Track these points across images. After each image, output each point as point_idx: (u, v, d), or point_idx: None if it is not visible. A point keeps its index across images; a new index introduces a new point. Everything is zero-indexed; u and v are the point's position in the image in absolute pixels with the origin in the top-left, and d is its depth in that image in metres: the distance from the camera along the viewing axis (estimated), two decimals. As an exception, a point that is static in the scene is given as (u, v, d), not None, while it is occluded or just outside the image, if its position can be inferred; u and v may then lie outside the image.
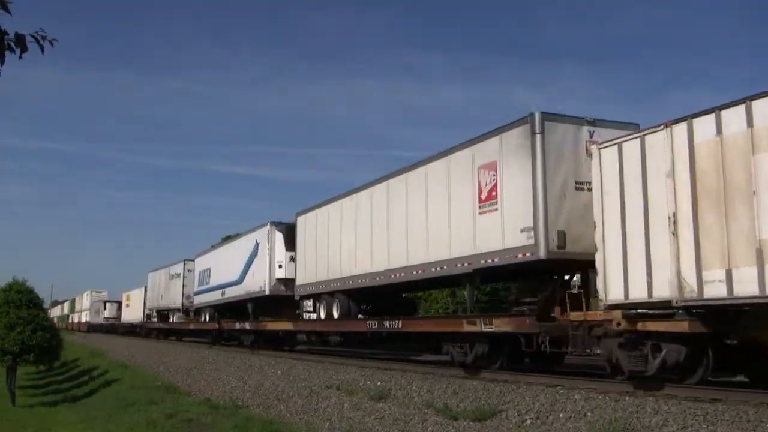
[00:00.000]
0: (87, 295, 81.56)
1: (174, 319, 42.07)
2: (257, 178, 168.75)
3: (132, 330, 57.15)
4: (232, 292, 29.40)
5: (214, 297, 32.47)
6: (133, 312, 56.44)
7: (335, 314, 20.49)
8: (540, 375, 13.41)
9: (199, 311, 37.11)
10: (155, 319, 47.11)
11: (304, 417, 12.34)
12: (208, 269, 34.35)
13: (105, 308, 71.51)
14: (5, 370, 18.31)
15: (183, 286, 38.86)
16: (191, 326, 38.14)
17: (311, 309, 23.52)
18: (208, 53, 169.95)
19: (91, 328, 75.82)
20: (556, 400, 10.00)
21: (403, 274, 16.70)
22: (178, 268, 40.30)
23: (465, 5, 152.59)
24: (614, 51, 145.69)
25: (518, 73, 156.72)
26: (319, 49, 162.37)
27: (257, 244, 26.47)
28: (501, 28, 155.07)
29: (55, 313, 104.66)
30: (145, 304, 50.26)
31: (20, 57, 3.99)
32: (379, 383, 13.65)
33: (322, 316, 21.55)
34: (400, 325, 16.80)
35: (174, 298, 40.54)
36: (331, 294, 20.75)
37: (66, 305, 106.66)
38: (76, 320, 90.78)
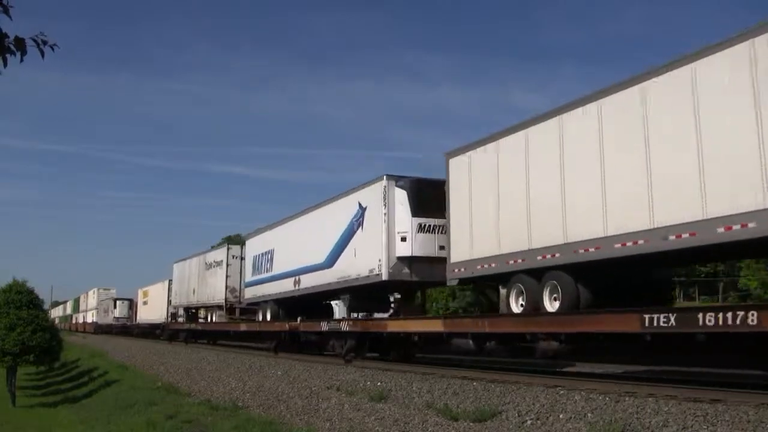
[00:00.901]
0: (93, 293, 74.32)
1: (214, 318, 34.13)
2: (256, 179, 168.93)
3: (150, 332, 48.47)
4: (314, 280, 21.79)
5: (281, 288, 24.64)
6: (152, 311, 49.08)
7: (548, 305, 12.97)
8: (540, 375, 13.43)
9: (251, 308, 29.52)
10: (181, 319, 41.07)
11: (305, 418, 12.34)
12: (270, 252, 26.40)
13: (115, 307, 64.41)
14: (5, 370, 18.33)
15: (226, 276, 31.37)
16: (243, 327, 28.78)
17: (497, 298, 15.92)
18: (207, 54, 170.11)
19: (99, 329, 67.83)
20: (556, 401, 10.01)
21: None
22: (219, 255, 32.85)
23: (464, 6, 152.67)
24: (613, 52, 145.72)
25: (517, 74, 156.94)
26: (318, 50, 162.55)
27: (361, 210, 18.95)
28: (499, 29, 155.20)
29: (56, 313, 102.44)
30: (168, 301, 43.41)
31: (21, 60, 3.99)
32: (379, 384, 13.66)
33: (516, 308, 13.79)
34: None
35: (212, 292, 33.35)
36: (537, 273, 13.24)
37: (69, 304, 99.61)
38: (80, 320, 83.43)
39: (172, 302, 42.19)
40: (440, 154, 16.59)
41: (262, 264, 27.22)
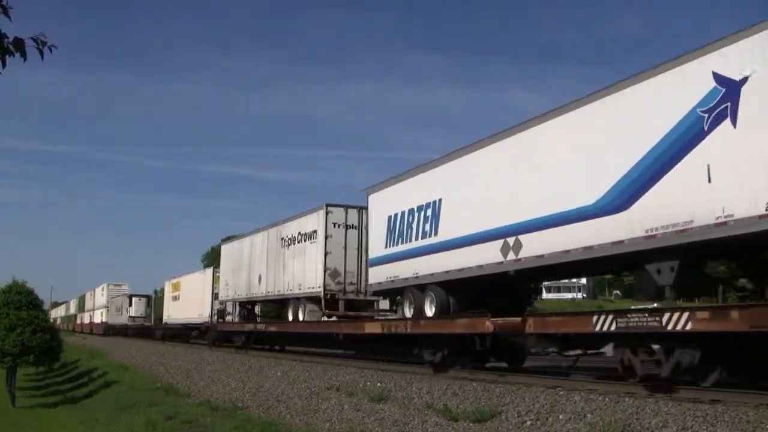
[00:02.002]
0: (102, 289, 65.48)
1: (303, 315, 22.97)
2: (256, 180, 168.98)
3: (183, 334, 40.99)
4: (564, 239, 12.15)
5: (460, 261, 15.06)
6: (186, 308, 40.21)
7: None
8: (540, 376, 13.44)
9: (373, 299, 21.39)
10: (230, 317, 32.59)
11: (304, 418, 12.34)
12: (430, 206, 16.46)
13: (130, 305, 56.56)
14: (5, 371, 18.33)
15: (325, 254, 21.74)
16: (374, 329, 18.03)
17: None
18: (207, 54, 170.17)
19: (110, 330, 58.23)
20: (556, 402, 10.01)
21: None
22: (310, 223, 22.98)
23: (463, 7, 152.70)
24: (612, 52, 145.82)
25: (516, 75, 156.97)
26: (318, 52, 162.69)
27: (728, 87, 9.36)
28: (499, 30, 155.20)
29: (58, 313, 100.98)
30: (214, 294, 34.60)
31: (24, 60, 4.00)
32: (379, 384, 13.67)
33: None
34: None
35: (298, 278, 23.63)
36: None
37: (73, 303, 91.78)
38: (86, 320, 74.94)
39: (220, 296, 32.80)
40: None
41: (410, 227, 17.14)
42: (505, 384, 12.09)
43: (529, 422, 9.43)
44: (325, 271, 21.94)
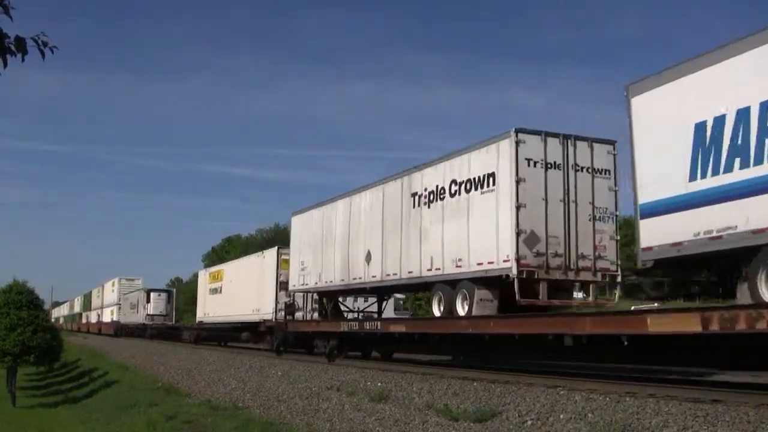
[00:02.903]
0: (113, 284, 58.77)
1: (471, 306, 14.72)
2: (256, 179, 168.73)
3: (228, 336, 34.35)
4: None
5: None
6: (235, 302, 31.17)
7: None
8: (540, 376, 13.44)
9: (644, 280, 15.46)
10: (300, 314, 25.25)
11: (305, 418, 12.34)
12: None
13: (148, 301, 49.20)
14: (5, 371, 18.33)
15: (517, 208, 14.01)
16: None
17: None
18: (207, 54, 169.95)
19: (122, 330, 52.27)
20: (556, 401, 10.01)
21: None
22: (481, 162, 15.09)
23: (462, 7, 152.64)
24: (612, 52, 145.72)
25: (516, 75, 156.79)
26: (316, 51, 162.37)
27: None
28: (499, 29, 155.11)
29: (60, 312, 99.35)
30: (279, 283, 26.46)
31: (23, 60, 4.00)
32: (379, 384, 13.66)
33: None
34: None
35: (452, 249, 15.67)
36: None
37: (77, 301, 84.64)
38: (93, 320, 68.04)
39: (292, 284, 24.34)
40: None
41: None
42: (506, 384, 12.09)
43: (529, 422, 9.42)
44: (517, 236, 13.84)
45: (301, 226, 24.28)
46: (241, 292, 31.42)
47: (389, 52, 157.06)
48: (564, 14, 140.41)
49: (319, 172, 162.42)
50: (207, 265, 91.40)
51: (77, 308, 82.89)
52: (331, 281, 21.65)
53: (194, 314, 43.81)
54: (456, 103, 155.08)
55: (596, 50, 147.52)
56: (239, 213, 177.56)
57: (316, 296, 23.96)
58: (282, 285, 26.18)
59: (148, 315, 49.63)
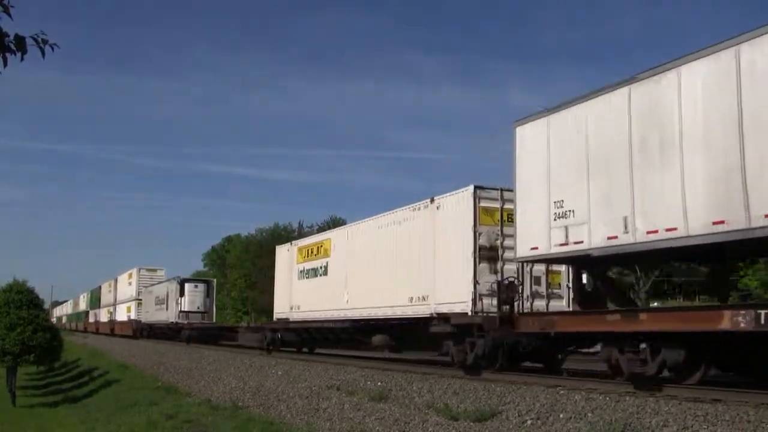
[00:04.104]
0: (130, 276, 49.68)
1: None
2: (256, 179, 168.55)
3: (339, 342, 21.83)
4: None
5: None
6: (365, 287, 19.26)
7: None
8: (540, 375, 13.43)
9: None
10: (517, 303, 14.54)
11: (305, 417, 12.34)
12: None
13: (182, 294, 38.80)
14: (6, 370, 18.35)
15: None
16: None
17: None
18: (207, 54, 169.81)
19: (144, 330, 43.25)
20: (556, 401, 10.00)
21: None
22: None
23: (462, 7, 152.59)
24: (611, 52, 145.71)
25: (515, 75, 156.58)
26: (316, 51, 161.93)
27: None
28: (498, 29, 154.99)
29: (63, 311, 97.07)
30: (477, 252, 14.88)
31: (22, 59, 4.00)
32: (379, 384, 13.66)
33: None
34: None
35: None
36: None
37: (83, 298, 75.01)
38: (103, 318, 58.51)
39: (530, 246, 12.93)
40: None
41: None
42: (506, 383, 12.08)
43: (529, 421, 9.42)
44: None
45: (543, 140, 12.89)
46: (377, 270, 18.66)
47: (389, 52, 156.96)
48: (564, 14, 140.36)
49: (319, 172, 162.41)
50: (207, 265, 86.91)
51: (83, 306, 73.50)
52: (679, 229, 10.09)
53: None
54: (456, 103, 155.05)
55: (596, 50, 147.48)
56: (239, 213, 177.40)
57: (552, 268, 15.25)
58: (484, 252, 15.10)
59: (181, 312, 38.67)
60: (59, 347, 19.49)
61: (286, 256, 25.65)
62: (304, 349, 25.22)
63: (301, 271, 23.86)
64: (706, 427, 7.81)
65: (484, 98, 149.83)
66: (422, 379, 13.70)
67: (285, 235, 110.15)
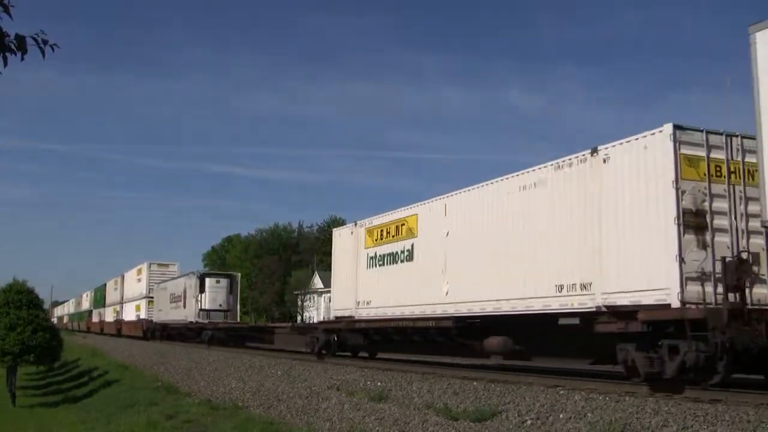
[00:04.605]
0: (139, 272, 45.62)
1: None
2: (256, 179, 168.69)
3: (421, 345, 17.34)
4: None
5: None
6: (481, 275, 14.48)
7: None
8: (540, 375, 13.44)
9: None
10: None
11: (305, 417, 12.35)
12: None
13: (202, 291, 34.52)
14: (5, 370, 18.35)
15: None
16: None
17: None
18: (206, 55, 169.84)
19: (156, 331, 39.66)
20: (556, 401, 10.01)
21: None
22: None
23: (461, 7, 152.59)
24: (611, 53, 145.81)
25: (515, 75, 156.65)
26: (316, 51, 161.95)
27: None
28: (498, 29, 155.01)
29: (64, 310, 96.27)
30: (682, 218, 10.42)
31: (22, 59, 4.00)
32: (379, 384, 13.66)
33: None
34: None
35: None
36: None
37: (86, 297, 71.41)
38: (108, 318, 54.90)
39: None
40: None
41: None
42: (506, 383, 12.09)
43: (529, 421, 9.43)
44: None
45: None
46: (497, 251, 14.24)
47: (389, 52, 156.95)
48: (563, 15, 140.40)
49: (319, 172, 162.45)
50: (207, 265, 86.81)
51: (86, 305, 69.80)
52: None
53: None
54: (456, 103, 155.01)
55: (595, 51, 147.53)
56: (239, 213, 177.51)
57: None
58: (689, 219, 10.74)
59: (201, 310, 34.01)
60: (59, 347, 19.50)
61: (348, 240, 20.90)
62: (361, 353, 21.21)
63: (371, 258, 19.36)
64: (706, 427, 7.81)
65: (484, 98, 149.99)
66: (422, 379, 13.71)
67: (285, 235, 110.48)
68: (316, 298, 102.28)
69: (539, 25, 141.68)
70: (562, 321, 12.25)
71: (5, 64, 4.03)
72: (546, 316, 12.56)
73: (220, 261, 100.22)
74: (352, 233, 20.76)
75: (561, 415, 9.31)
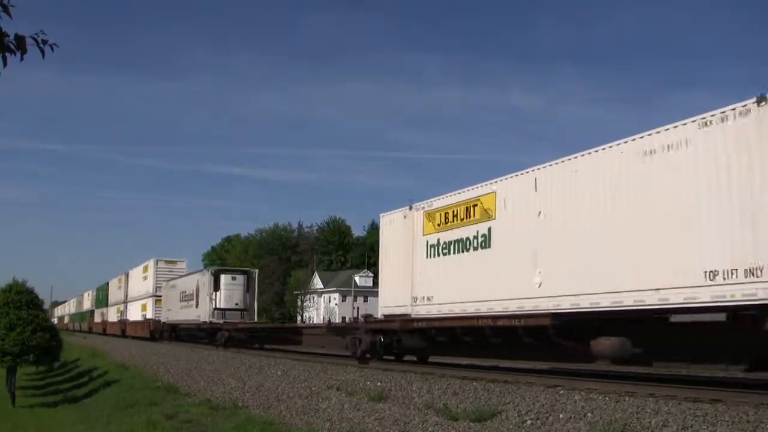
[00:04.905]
0: (145, 269, 43.47)
1: None
2: (256, 179, 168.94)
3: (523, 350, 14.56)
4: None
5: None
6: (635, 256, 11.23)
7: None
8: (540, 375, 13.43)
9: None
10: None
11: (305, 417, 12.34)
12: None
13: (217, 288, 31.77)
14: (5, 370, 18.34)
15: None
16: None
17: None
18: (206, 55, 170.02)
19: (165, 332, 37.73)
20: (556, 401, 10.01)
21: None
22: None
23: (461, 7, 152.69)
24: (611, 53, 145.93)
25: (515, 75, 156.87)
26: (316, 51, 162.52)
27: None
28: (498, 29, 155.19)
29: (65, 310, 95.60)
30: None
31: (21, 59, 3.99)
32: (379, 384, 13.66)
33: None
34: None
35: None
36: None
37: (88, 296, 69.54)
38: (112, 318, 53.37)
39: None
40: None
41: None
42: (505, 383, 12.09)
43: (529, 421, 9.42)
44: None
45: None
46: (614, 231, 11.76)
47: (389, 52, 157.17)
48: (563, 15, 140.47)
49: (319, 172, 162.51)
50: (208, 265, 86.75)
51: (88, 304, 67.93)
52: None
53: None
54: (456, 103, 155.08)
55: (595, 51, 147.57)
56: (239, 213, 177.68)
57: None
58: None
59: (216, 309, 31.47)
60: (58, 347, 19.46)
61: (401, 226, 18.13)
62: (407, 357, 18.98)
63: (432, 246, 16.69)
64: (705, 427, 7.81)
65: (484, 98, 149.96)
66: (422, 379, 13.71)
67: (285, 235, 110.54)
68: (315, 298, 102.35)
69: (539, 24, 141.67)
70: (705, 317, 9.97)
71: (5, 64, 4.03)
72: (681, 310, 10.30)
73: (219, 261, 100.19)
74: (405, 218, 17.95)
75: (561, 415, 9.31)
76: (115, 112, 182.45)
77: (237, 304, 32.10)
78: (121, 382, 20.99)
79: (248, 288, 32.89)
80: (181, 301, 35.67)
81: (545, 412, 9.62)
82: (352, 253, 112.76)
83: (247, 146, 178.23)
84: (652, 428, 8.15)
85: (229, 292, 32.10)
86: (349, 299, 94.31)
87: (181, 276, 38.62)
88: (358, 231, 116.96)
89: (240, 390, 16.31)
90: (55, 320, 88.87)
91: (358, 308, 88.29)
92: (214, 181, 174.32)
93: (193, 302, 33.36)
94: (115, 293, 53.41)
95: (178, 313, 36.12)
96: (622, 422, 8.44)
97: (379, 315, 18.77)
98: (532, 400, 10.27)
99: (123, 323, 48.21)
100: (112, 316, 53.41)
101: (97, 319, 60.54)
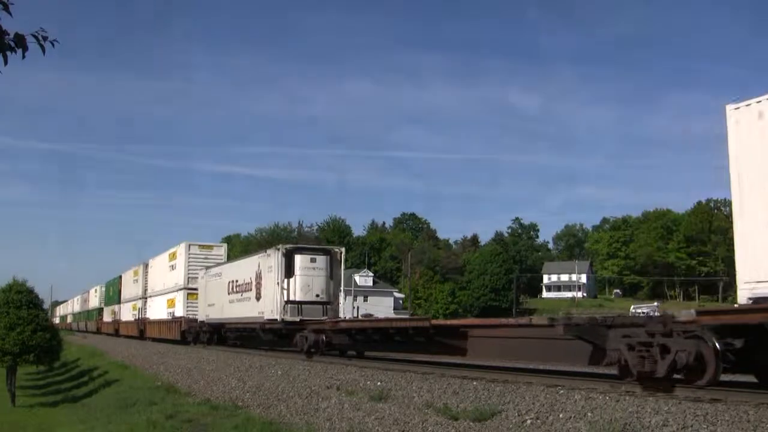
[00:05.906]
0: (172, 257, 35.35)
1: None
2: (256, 179, 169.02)
3: None
4: None
5: None
6: None
7: None
8: (540, 375, 13.44)
9: None
10: None
11: (305, 417, 12.34)
12: None
13: (290, 274, 22.76)
14: (5, 370, 18.35)
15: None
16: None
17: None
18: (206, 54, 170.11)
19: (204, 334, 30.27)
20: (556, 401, 10.01)
21: None
22: None
23: (460, 7, 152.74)
24: (608, 53, 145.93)
25: (513, 75, 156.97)
26: (315, 51, 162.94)
27: None
28: (497, 29, 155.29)
29: (68, 309, 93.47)
30: None
31: (23, 57, 4.00)
32: (379, 383, 13.66)
33: None
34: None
35: None
36: None
37: (95, 293, 61.42)
38: (126, 317, 46.08)
39: None
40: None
41: None
42: (505, 383, 12.09)
43: (529, 421, 9.43)
44: None
45: None
46: None
47: (389, 51, 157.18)
48: (562, 14, 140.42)
49: (319, 172, 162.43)
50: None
51: (95, 302, 60.69)
52: None
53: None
54: (456, 103, 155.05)
55: (594, 50, 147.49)
56: (239, 213, 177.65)
57: None
58: None
59: (289, 303, 22.86)
60: (59, 347, 19.49)
61: None
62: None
63: None
64: (706, 427, 7.81)
65: (484, 97, 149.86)
66: (422, 378, 13.71)
67: (285, 235, 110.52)
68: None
69: (538, 24, 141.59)
70: None
71: (5, 62, 4.04)
72: None
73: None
74: None
75: (561, 415, 9.31)
76: (115, 112, 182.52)
77: (318, 295, 23.38)
78: (121, 381, 21.02)
79: (331, 274, 23.96)
80: (230, 293, 27.39)
81: (545, 411, 9.62)
82: (352, 252, 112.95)
83: (245, 145, 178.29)
84: (652, 428, 8.15)
85: (307, 279, 23.28)
86: (350, 299, 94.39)
87: (229, 261, 30.82)
88: (358, 231, 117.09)
89: (240, 389, 16.31)
90: (56, 320, 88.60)
91: (358, 308, 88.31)
92: (214, 180, 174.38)
93: (251, 294, 25.26)
94: (129, 287, 45.69)
95: (224, 309, 27.84)
96: (622, 422, 8.44)
97: (741, 298, 11.01)
98: (532, 400, 10.27)
99: (142, 323, 40.96)
100: (127, 314, 46.01)
101: (107, 318, 53.38)
